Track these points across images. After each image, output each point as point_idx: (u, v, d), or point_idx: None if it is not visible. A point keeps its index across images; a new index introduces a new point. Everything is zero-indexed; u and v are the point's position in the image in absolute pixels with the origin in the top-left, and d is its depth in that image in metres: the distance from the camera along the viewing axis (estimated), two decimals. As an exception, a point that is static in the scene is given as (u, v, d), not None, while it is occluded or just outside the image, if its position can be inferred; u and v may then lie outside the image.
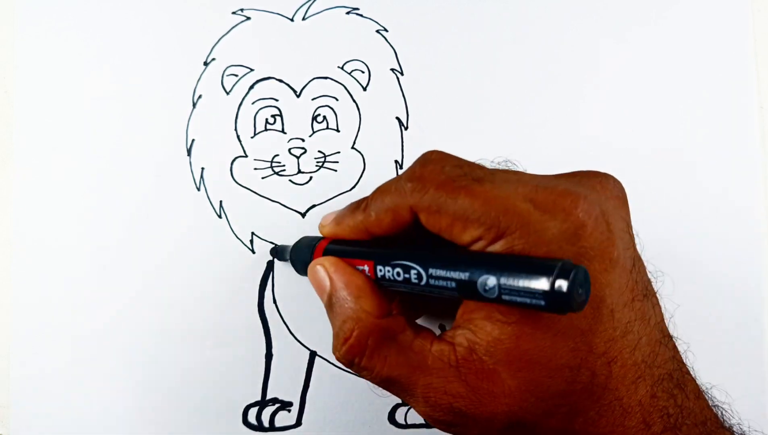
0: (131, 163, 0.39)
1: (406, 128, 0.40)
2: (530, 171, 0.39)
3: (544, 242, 0.24)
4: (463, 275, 0.25)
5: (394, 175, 0.39)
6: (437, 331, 0.28)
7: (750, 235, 0.40)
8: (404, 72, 0.40)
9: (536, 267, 0.23)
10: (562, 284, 0.22)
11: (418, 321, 0.32)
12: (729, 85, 0.41)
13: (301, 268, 0.34)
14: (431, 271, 0.26)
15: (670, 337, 0.27)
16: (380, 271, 0.28)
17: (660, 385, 0.26)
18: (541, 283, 0.22)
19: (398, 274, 0.27)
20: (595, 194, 0.26)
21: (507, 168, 0.29)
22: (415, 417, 0.39)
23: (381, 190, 0.29)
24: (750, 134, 0.41)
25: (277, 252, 0.39)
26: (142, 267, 0.38)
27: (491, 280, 0.24)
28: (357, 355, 0.27)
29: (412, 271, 0.27)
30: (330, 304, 0.29)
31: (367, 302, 0.28)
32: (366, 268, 0.29)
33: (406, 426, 0.39)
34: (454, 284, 0.25)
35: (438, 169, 0.27)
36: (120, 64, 0.39)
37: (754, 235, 0.40)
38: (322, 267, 0.30)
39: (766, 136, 0.41)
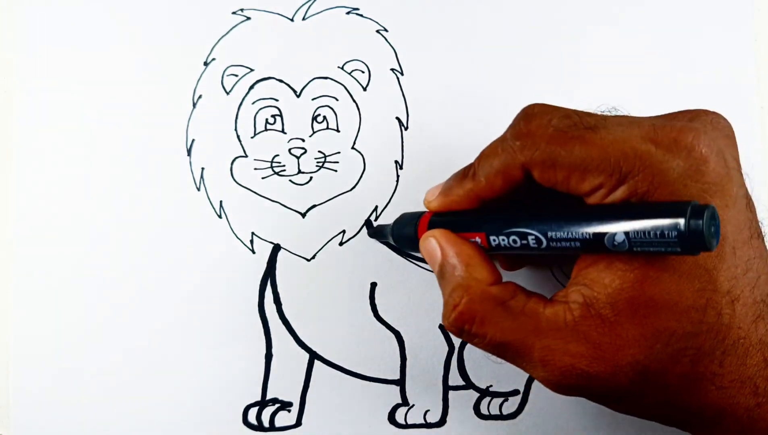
0: (131, 162, 0.39)
1: (406, 128, 0.40)
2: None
3: (669, 182, 0.23)
4: (588, 234, 0.24)
5: (394, 174, 0.39)
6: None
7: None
8: (404, 72, 0.40)
9: (667, 212, 0.22)
10: (697, 225, 0.21)
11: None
12: (729, 85, 0.41)
13: (406, 243, 0.34)
14: (551, 234, 0.25)
15: None
16: (494, 240, 0.28)
17: None
18: (675, 228, 0.21)
19: (514, 241, 0.27)
20: (712, 131, 0.25)
21: (612, 114, 0.28)
22: (415, 417, 0.39)
23: (487, 155, 0.28)
24: (750, 134, 0.41)
25: (375, 232, 0.38)
26: (142, 267, 0.38)
27: (620, 235, 0.23)
28: (466, 322, 0.27)
29: (530, 237, 0.26)
30: (441, 274, 0.29)
31: (476, 270, 0.28)
32: (478, 239, 0.29)
33: (406, 426, 0.39)
34: (578, 244, 0.24)
35: (545, 123, 0.26)
36: (120, 64, 0.39)
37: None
38: (434, 238, 0.30)
39: (766, 136, 0.41)
